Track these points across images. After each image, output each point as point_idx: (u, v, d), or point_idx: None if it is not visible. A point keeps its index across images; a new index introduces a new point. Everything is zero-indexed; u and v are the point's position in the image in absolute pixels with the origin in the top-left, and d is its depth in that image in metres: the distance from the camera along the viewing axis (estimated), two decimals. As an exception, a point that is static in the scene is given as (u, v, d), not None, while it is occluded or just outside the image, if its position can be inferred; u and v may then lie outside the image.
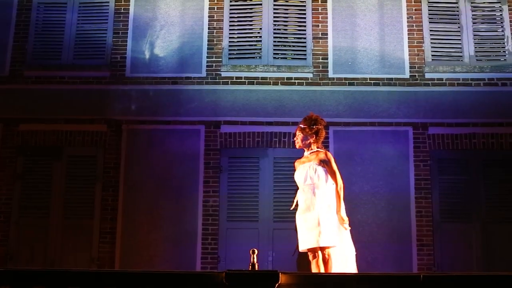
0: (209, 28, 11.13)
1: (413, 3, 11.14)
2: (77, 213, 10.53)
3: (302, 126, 7.64)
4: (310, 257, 7.42)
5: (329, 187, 7.44)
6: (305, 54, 11.05)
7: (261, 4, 11.23)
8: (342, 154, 10.37)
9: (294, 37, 11.25)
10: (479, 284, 5.79)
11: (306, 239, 7.34)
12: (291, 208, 7.50)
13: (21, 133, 10.82)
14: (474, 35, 11.05)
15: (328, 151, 7.80)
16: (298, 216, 7.46)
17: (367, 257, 9.31)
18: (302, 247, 7.42)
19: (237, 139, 10.67)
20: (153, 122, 10.76)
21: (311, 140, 7.58)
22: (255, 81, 10.91)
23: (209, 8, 11.19)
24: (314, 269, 7.30)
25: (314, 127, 7.57)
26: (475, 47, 11.01)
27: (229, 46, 11.11)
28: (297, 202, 7.50)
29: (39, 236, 9.73)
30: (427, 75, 10.85)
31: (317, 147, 7.62)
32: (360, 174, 10.43)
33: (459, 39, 11.05)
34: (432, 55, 10.98)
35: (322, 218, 7.23)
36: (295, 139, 7.80)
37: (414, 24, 11.06)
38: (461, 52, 11.00)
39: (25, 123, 10.84)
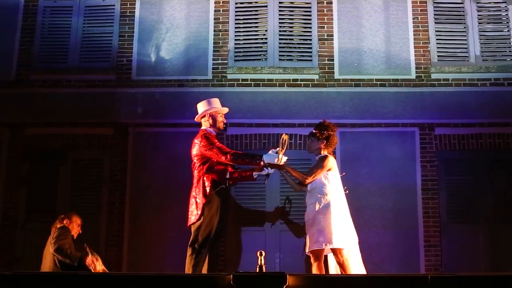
0: (214, 31, 11.12)
1: (418, 4, 11.11)
2: (84, 216, 10.48)
3: (313, 131, 7.72)
4: (312, 259, 7.45)
5: (334, 191, 7.47)
6: (310, 56, 11.04)
7: (266, 6, 11.23)
8: (348, 155, 10.37)
9: (300, 39, 11.23)
10: (487, 285, 5.78)
11: (308, 241, 7.42)
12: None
13: (27, 137, 10.82)
14: (480, 35, 11.03)
15: (334, 157, 7.81)
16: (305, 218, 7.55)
17: (374, 258, 9.28)
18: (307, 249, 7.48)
19: (244, 141, 10.65)
20: (159, 125, 10.75)
21: (322, 146, 7.65)
22: (261, 83, 10.89)
23: (215, 11, 11.19)
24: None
25: (325, 132, 7.63)
26: (481, 47, 10.98)
27: (235, 48, 11.11)
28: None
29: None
30: (433, 76, 10.82)
31: (328, 153, 7.67)
32: (366, 176, 10.40)
33: (465, 39, 11.02)
34: (438, 56, 10.96)
35: (322, 221, 7.28)
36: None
37: (419, 25, 11.03)
38: (467, 52, 10.98)
39: (31, 127, 10.83)
